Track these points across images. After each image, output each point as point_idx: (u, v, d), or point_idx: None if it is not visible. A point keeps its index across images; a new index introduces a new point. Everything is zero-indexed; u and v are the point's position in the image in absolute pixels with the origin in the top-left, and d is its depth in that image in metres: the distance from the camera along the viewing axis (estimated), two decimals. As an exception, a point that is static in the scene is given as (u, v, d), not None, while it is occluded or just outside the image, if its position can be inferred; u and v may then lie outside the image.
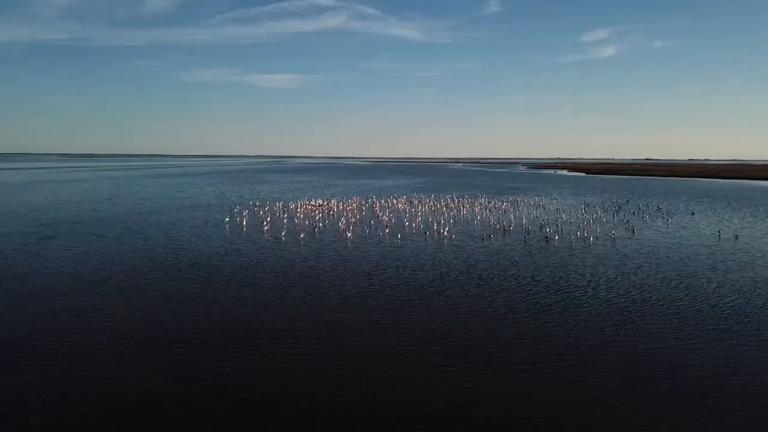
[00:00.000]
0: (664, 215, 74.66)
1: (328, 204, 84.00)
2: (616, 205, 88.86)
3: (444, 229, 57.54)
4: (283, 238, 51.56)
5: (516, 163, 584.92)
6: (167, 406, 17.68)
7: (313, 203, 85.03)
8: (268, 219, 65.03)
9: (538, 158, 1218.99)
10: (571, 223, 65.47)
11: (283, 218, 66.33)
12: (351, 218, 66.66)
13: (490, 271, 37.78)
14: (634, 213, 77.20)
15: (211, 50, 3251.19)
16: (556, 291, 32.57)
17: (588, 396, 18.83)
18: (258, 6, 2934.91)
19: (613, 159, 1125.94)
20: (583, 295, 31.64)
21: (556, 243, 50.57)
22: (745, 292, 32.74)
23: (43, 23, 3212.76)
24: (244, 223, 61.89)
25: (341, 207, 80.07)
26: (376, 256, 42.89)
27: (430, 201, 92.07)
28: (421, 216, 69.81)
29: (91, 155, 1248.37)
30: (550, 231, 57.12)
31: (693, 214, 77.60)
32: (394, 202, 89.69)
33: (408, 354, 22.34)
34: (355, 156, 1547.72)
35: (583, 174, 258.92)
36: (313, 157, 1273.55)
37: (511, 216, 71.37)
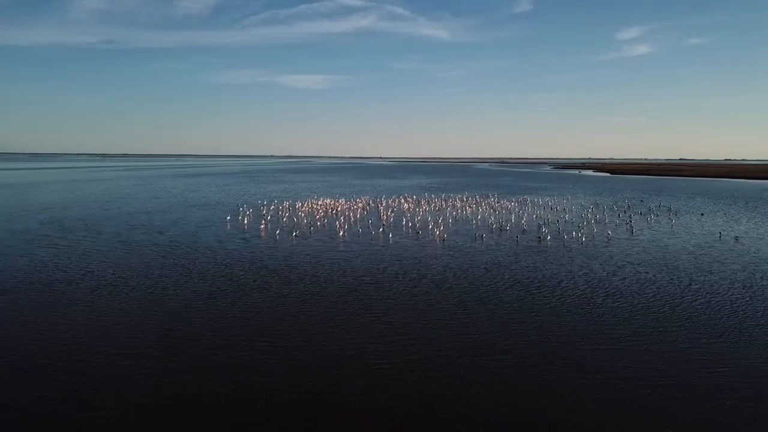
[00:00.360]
0: (672, 216, 73.36)
1: (334, 203, 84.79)
2: (626, 206, 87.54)
3: (438, 229, 57.74)
4: (278, 237, 52.44)
5: (543, 163, 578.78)
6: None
7: (320, 203, 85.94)
8: (269, 218, 66.12)
9: (568, 158, 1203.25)
10: (572, 223, 64.92)
11: (285, 217, 67.23)
12: (352, 218, 67.23)
13: (467, 272, 37.87)
14: (641, 213, 76.06)
15: (242, 51, 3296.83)
16: (530, 291, 32.56)
17: (556, 392, 19.03)
18: (289, 7, 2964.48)
19: (646, 159, 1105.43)
20: (554, 296, 31.63)
21: (548, 243, 50.31)
22: (721, 293, 32.33)
23: (77, 27, 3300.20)
24: (245, 221, 63.01)
25: (347, 206, 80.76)
26: (356, 256, 43.31)
27: (437, 201, 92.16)
28: (421, 216, 70.05)
29: (126, 155, 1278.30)
30: (545, 231, 56.76)
31: (702, 215, 76.10)
32: (401, 201, 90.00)
33: (347, 352, 22.81)
34: (382, 156, 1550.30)
35: (608, 174, 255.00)
36: (340, 157, 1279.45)
37: (513, 216, 71.08)
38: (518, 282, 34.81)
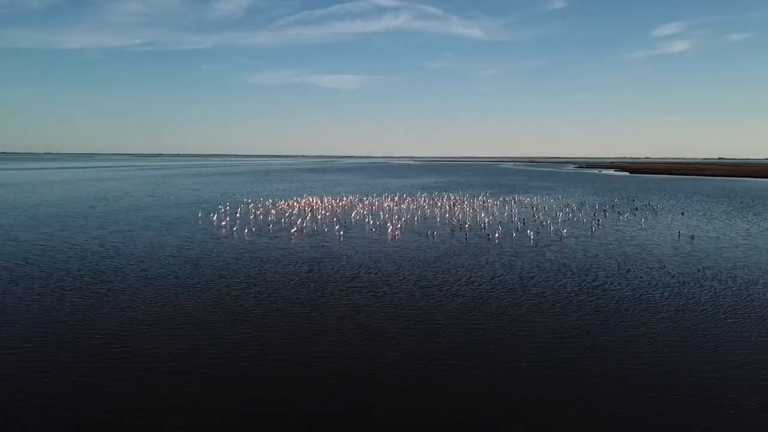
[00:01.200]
0: (648, 215, 72.75)
1: (316, 202, 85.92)
2: (609, 205, 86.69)
3: (397, 226, 58.72)
4: (235, 234, 53.91)
5: (570, 162, 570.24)
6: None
7: (303, 201, 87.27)
8: (237, 216, 67.77)
9: (600, 157, 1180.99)
10: (538, 222, 64.79)
11: (253, 215, 68.64)
12: (320, 216, 68.44)
13: (394, 268, 38.75)
14: (619, 213, 75.45)
15: (275, 52, 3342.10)
16: (454, 289, 33.27)
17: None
18: (322, 8, 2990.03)
19: (683, 158, 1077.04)
20: (484, 294, 32.32)
21: (497, 241, 50.60)
22: (637, 289, 32.58)
23: (118, 30, 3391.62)
24: (215, 219, 64.47)
25: (327, 205, 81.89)
26: (295, 251, 44.59)
27: (422, 200, 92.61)
28: (394, 214, 70.81)
29: (161, 155, 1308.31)
30: (500, 230, 56.96)
31: (682, 214, 75.25)
32: (383, 200, 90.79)
33: (242, 351, 24.04)
34: (412, 156, 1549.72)
35: (627, 174, 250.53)
36: (370, 157, 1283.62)
37: (483, 214, 71.23)
38: (424, 278, 35.52)
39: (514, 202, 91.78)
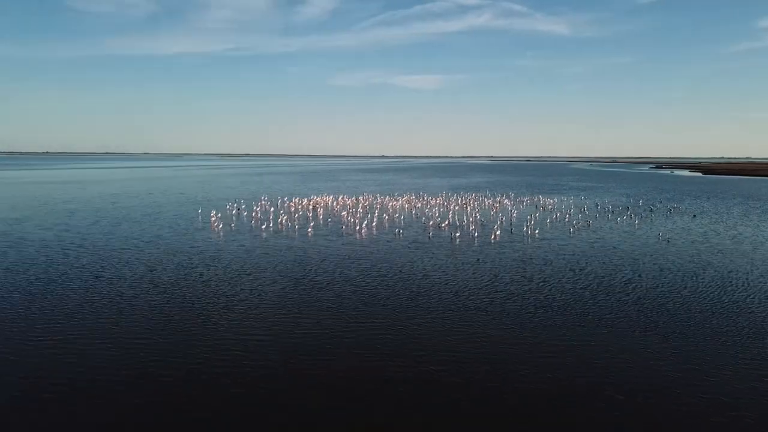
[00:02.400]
0: (657, 217, 69.79)
1: (329, 200, 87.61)
2: (624, 207, 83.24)
3: (373, 224, 60.03)
4: (220, 230, 56.92)
5: (649, 162, 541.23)
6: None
7: (318, 199, 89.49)
8: (234, 212, 70.99)
9: (689, 157, 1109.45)
10: (526, 222, 63.62)
11: (255, 213, 71.39)
12: (318, 214, 70.48)
13: (336, 265, 40.18)
14: (626, 215, 72.47)
15: (358, 53, 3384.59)
16: (380, 286, 34.49)
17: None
18: (404, 8, 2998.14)
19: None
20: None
21: (458, 241, 50.58)
22: (588, 290, 32.43)
23: (208, 35, 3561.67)
24: (214, 216, 67.55)
25: (339, 204, 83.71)
26: (258, 249, 46.86)
27: (434, 199, 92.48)
28: (382, 213, 71.69)
29: (247, 155, 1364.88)
30: (473, 229, 56.70)
31: (694, 216, 71.44)
32: (396, 199, 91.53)
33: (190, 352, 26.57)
34: (492, 155, 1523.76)
35: (699, 174, 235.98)
36: (448, 157, 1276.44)
37: (476, 214, 70.60)
38: (387, 279, 36.62)
39: (526, 202, 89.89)
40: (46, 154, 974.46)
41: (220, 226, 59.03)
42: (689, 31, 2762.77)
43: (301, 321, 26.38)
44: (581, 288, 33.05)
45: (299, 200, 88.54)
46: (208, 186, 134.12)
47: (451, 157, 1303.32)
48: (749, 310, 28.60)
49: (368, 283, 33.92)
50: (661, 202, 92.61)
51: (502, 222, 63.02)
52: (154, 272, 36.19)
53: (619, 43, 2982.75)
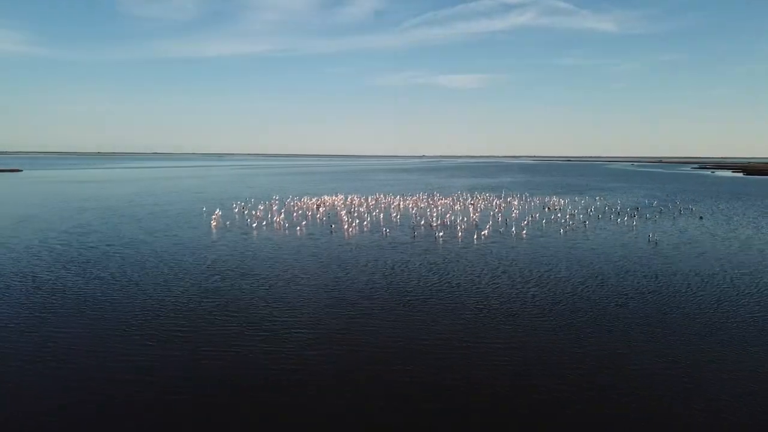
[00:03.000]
0: (661, 218, 68.47)
1: (334, 200, 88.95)
2: (637, 208, 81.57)
3: (365, 223, 60.97)
4: (212, 230, 58.83)
5: (694, 163, 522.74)
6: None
7: (323, 199, 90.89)
8: (236, 211, 72.96)
9: (741, 158, 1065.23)
10: (515, 222, 63.29)
11: (257, 212, 73.17)
12: (318, 214, 71.78)
13: (307, 261, 41.34)
14: (631, 216, 71.15)
15: (401, 53, 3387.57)
16: (337, 282, 35.56)
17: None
18: (447, 8, 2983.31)
19: None
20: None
21: (441, 241, 50.92)
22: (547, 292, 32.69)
23: (251, 37, 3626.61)
24: (215, 214, 69.73)
25: (343, 203, 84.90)
26: (240, 246, 48.47)
27: (443, 199, 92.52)
28: (381, 213, 72.37)
29: (290, 155, 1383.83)
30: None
31: (701, 218, 69.58)
32: (405, 199, 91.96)
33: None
34: (533, 155, 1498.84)
35: (741, 175, 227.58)
36: (490, 156, 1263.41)
37: (476, 214, 70.54)
38: (350, 276, 37.64)
39: (534, 202, 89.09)
40: (98, 154, 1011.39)
41: (215, 224, 60.84)
42: (742, 26, 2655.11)
43: (239, 313, 27.43)
44: (534, 287, 33.05)
45: (308, 199, 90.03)
46: (231, 185, 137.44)
47: (492, 157, 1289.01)
48: (708, 312, 28.28)
49: (333, 277, 34.82)
50: (678, 203, 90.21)
51: (498, 222, 63.00)
52: (121, 262, 38.03)
53: (668, 39, 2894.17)
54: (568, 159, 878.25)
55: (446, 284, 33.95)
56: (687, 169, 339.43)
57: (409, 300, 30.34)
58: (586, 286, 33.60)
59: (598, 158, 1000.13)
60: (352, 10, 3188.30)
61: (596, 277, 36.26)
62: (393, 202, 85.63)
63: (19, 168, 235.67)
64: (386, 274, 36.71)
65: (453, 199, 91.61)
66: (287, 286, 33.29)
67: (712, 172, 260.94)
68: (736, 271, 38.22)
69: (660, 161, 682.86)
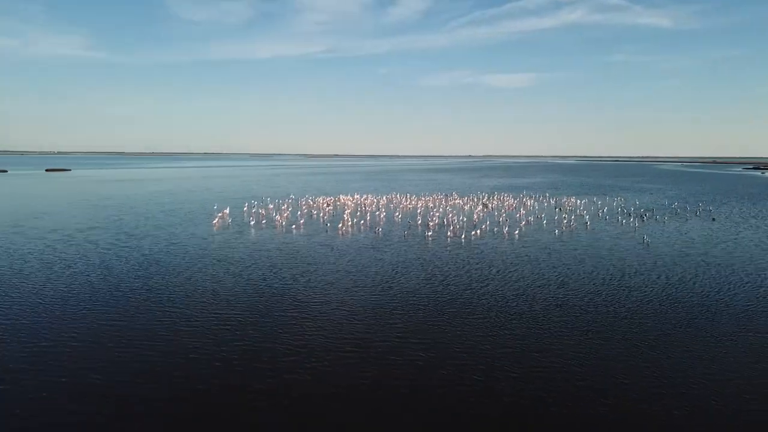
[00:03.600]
0: (671, 218, 66.93)
1: (344, 200, 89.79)
2: (652, 209, 79.48)
3: (361, 222, 61.72)
4: (216, 228, 60.73)
5: (747, 163, 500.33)
6: None
7: (334, 198, 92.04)
8: (244, 210, 74.84)
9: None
10: (508, 222, 62.81)
11: (262, 211, 74.94)
12: (323, 214, 72.91)
13: (291, 258, 42.59)
14: (639, 216, 69.52)
15: (449, 53, 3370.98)
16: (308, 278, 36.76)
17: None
18: (495, 7, 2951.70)
19: None
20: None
21: (430, 240, 51.28)
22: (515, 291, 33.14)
23: (302, 38, 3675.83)
24: (225, 212, 71.91)
25: (354, 202, 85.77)
26: (224, 243, 50.11)
27: (457, 199, 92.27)
28: (386, 212, 72.91)
29: (337, 155, 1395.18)
30: (459, 228, 57.04)
31: (713, 219, 67.63)
32: (419, 199, 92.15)
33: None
34: (581, 155, 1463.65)
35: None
36: (536, 156, 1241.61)
37: (480, 214, 70.25)
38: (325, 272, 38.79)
39: (549, 201, 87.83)
40: (152, 154, 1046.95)
41: (216, 222, 62.64)
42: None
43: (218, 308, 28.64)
44: (502, 286, 33.09)
45: (323, 199, 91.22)
46: (257, 185, 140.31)
47: (539, 157, 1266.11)
48: (682, 316, 27.96)
49: (314, 273, 35.81)
50: (700, 204, 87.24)
51: (496, 222, 62.68)
52: (119, 254, 39.98)
53: (726, 34, 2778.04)
54: (617, 159, 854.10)
55: (406, 281, 34.35)
56: (738, 169, 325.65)
57: (357, 296, 30.89)
58: (538, 287, 33.35)
59: (648, 158, 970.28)
60: (400, 10, 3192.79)
61: (557, 278, 35.86)
62: (403, 202, 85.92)
63: (68, 168, 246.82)
64: (348, 272, 37.32)
65: (467, 200, 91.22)
66: (234, 282, 34.38)
67: (763, 173, 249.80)
68: (705, 277, 37.17)
69: (714, 161, 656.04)
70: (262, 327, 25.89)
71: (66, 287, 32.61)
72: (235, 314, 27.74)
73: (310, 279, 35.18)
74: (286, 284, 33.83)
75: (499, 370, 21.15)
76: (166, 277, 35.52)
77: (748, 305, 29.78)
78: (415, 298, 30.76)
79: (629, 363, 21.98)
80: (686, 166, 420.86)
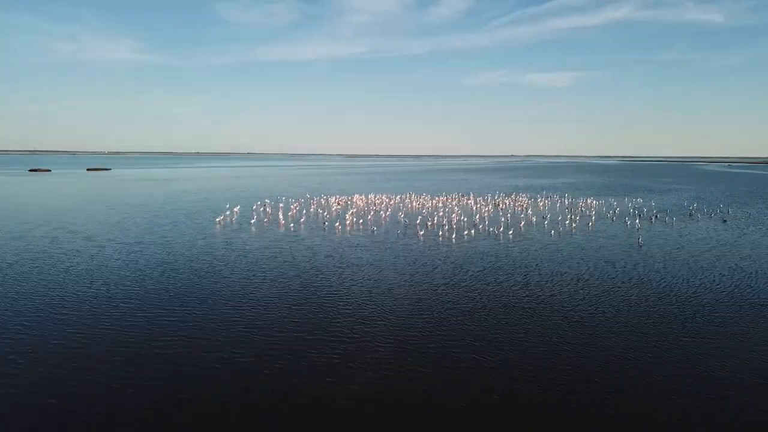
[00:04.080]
0: (680, 220, 66.52)
1: (356, 199, 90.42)
2: (663, 211, 77.66)
3: (360, 222, 62.46)
4: (219, 225, 62.47)
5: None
6: None
7: (349, 198, 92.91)
8: (253, 209, 76.45)
9: None
10: (527, 223, 62.40)
11: (271, 210, 76.37)
12: (329, 213, 73.90)
13: (279, 255, 43.88)
14: (649, 217, 68.22)
15: (489, 52, 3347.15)
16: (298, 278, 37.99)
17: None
18: (536, 5, 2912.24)
19: None
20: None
21: (421, 238, 51.70)
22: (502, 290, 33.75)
23: (345, 40, 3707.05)
24: (235, 210, 73.81)
25: (360, 202, 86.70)
26: (234, 240, 51.67)
27: (472, 199, 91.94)
28: (392, 211, 73.40)
29: (376, 155, 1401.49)
30: (457, 228, 57.26)
31: (725, 221, 66.02)
32: (433, 199, 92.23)
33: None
34: (626, 156, 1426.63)
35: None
36: (578, 157, 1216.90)
37: (488, 214, 70.01)
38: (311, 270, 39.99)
39: (568, 204, 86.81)
40: (197, 154, 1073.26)
41: (220, 219, 64.29)
42: None
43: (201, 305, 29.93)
44: (481, 286, 33.36)
45: (336, 198, 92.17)
46: (279, 184, 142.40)
47: (581, 157, 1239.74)
48: (666, 317, 27.98)
49: (306, 270, 36.88)
50: (721, 205, 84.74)
51: (498, 222, 62.48)
52: (122, 251, 41.90)
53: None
54: (661, 160, 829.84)
55: (385, 278, 35.03)
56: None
57: (335, 294, 31.61)
58: (504, 288, 33.38)
59: (694, 159, 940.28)
60: (442, 10, 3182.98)
61: (524, 279, 35.75)
62: (414, 202, 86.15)
63: (108, 167, 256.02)
64: (351, 268, 38.08)
65: (481, 200, 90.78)
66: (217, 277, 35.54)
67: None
68: (697, 278, 36.51)
69: (765, 161, 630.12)
70: (224, 324, 26.81)
71: (56, 284, 34.38)
72: (189, 310, 28.80)
73: (287, 277, 36.04)
74: (252, 283, 34.79)
75: (473, 372, 21.45)
76: (146, 272, 36.93)
77: (731, 307, 29.47)
78: (381, 297, 31.25)
79: (612, 363, 22.09)
80: (731, 166, 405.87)
